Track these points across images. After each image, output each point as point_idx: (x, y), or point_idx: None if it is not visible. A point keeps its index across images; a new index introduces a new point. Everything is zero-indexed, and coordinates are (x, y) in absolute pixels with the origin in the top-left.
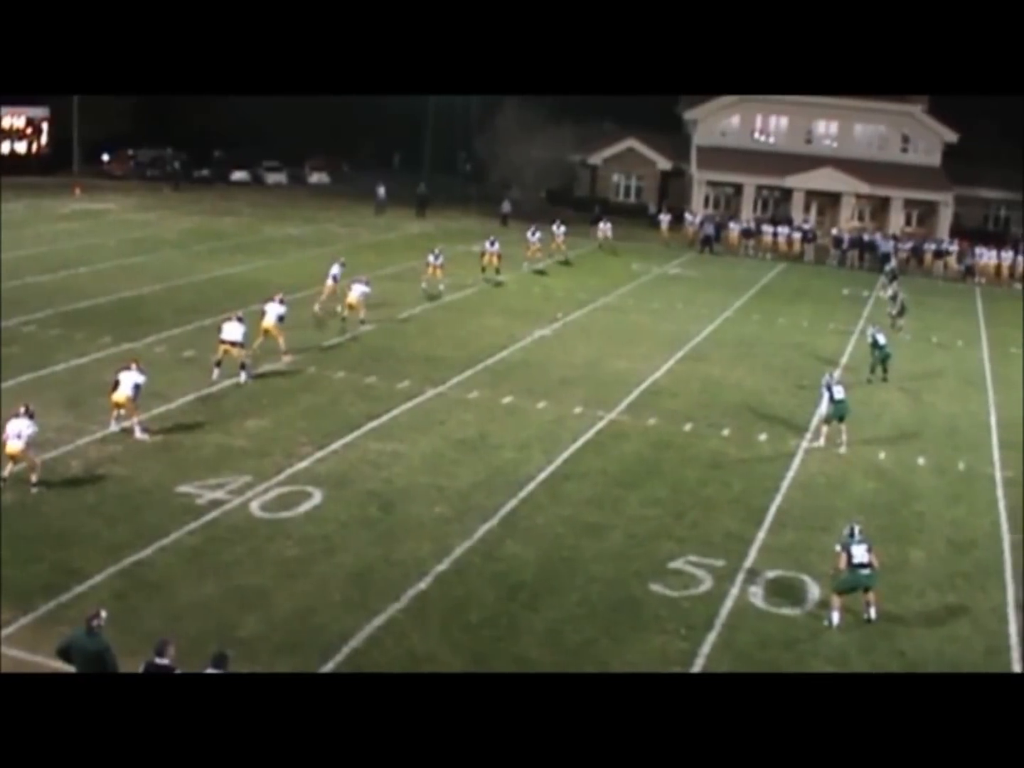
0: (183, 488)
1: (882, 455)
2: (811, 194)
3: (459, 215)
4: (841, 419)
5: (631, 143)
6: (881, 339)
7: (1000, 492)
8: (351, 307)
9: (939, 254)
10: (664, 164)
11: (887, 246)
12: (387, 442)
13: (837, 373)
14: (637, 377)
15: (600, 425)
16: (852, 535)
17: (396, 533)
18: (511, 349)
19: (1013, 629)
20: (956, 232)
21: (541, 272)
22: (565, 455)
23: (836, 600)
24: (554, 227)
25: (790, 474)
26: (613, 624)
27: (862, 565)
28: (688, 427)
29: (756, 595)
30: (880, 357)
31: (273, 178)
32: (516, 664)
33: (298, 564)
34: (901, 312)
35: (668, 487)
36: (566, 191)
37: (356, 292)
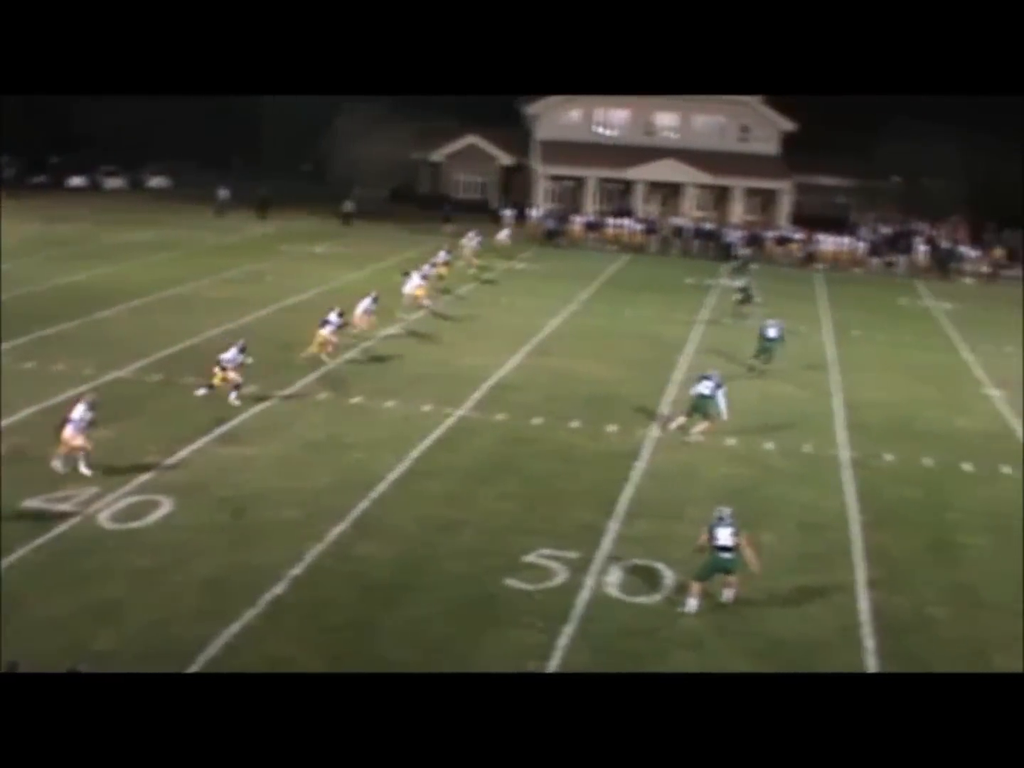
0: (29, 503)
1: (731, 441)
2: (653, 185)
3: (301, 215)
4: (705, 415)
5: (472, 139)
6: (772, 332)
7: (847, 473)
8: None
9: (782, 241)
10: (506, 159)
11: (733, 235)
12: (236, 447)
13: (716, 370)
14: (485, 373)
15: (449, 422)
16: (721, 517)
17: (249, 538)
18: (358, 349)
19: (864, 606)
20: (796, 219)
21: (391, 270)
22: (415, 453)
23: (695, 587)
24: (465, 239)
25: (641, 464)
26: (470, 620)
27: (724, 548)
28: (537, 421)
29: (612, 585)
30: (766, 347)
31: (112, 183)
32: (375, 665)
33: (151, 574)
34: (747, 300)
35: (519, 481)
36: (408, 189)
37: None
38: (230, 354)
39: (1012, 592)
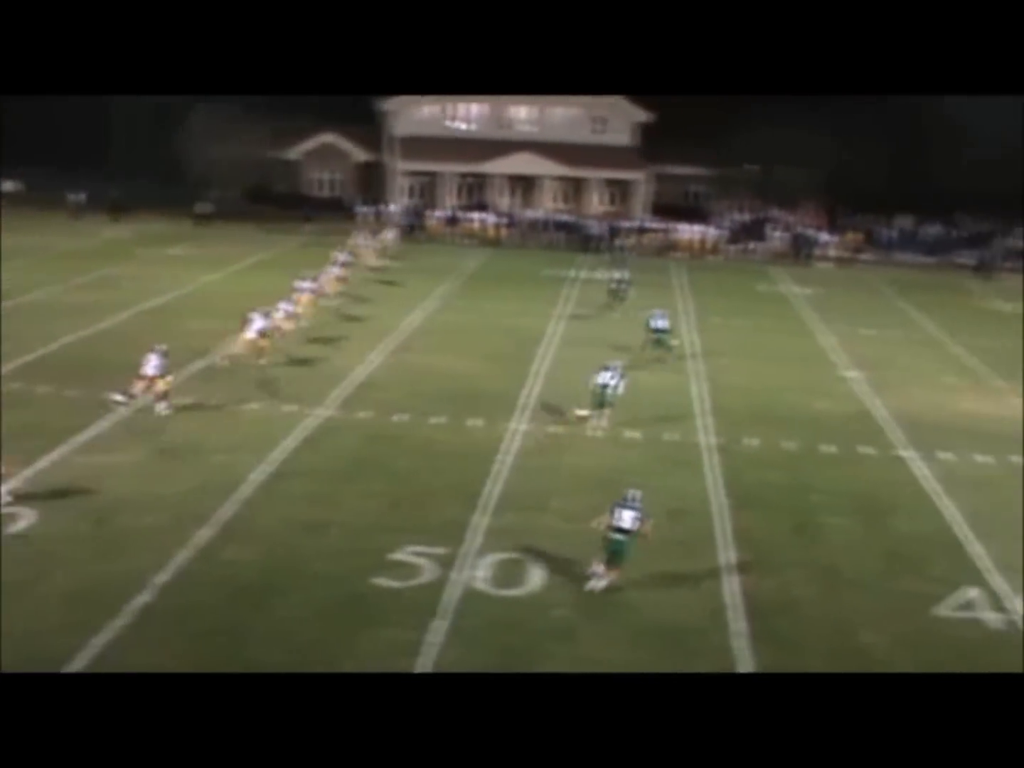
0: None
1: (596, 432)
2: (510, 179)
3: (155, 218)
4: (603, 404)
5: (328, 137)
6: (662, 323)
7: (711, 459)
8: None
9: (640, 231)
10: (362, 156)
11: (595, 227)
12: (97, 455)
13: (619, 361)
14: (348, 371)
15: (312, 422)
16: (627, 499)
17: (113, 547)
18: (218, 352)
19: (731, 590)
20: (654, 209)
21: (249, 270)
22: (279, 455)
23: (598, 566)
24: (360, 240)
25: (505, 457)
26: (340, 621)
27: (620, 530)
28: (400, 418)
29: (480, 579)
30: (656, 339)
31: None
32: (245, 668)
33: (13, 589)
34: (620, 292)
35: (384, 479)
36: (264, 189)
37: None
38: (153, 363)
39: (875, 570)
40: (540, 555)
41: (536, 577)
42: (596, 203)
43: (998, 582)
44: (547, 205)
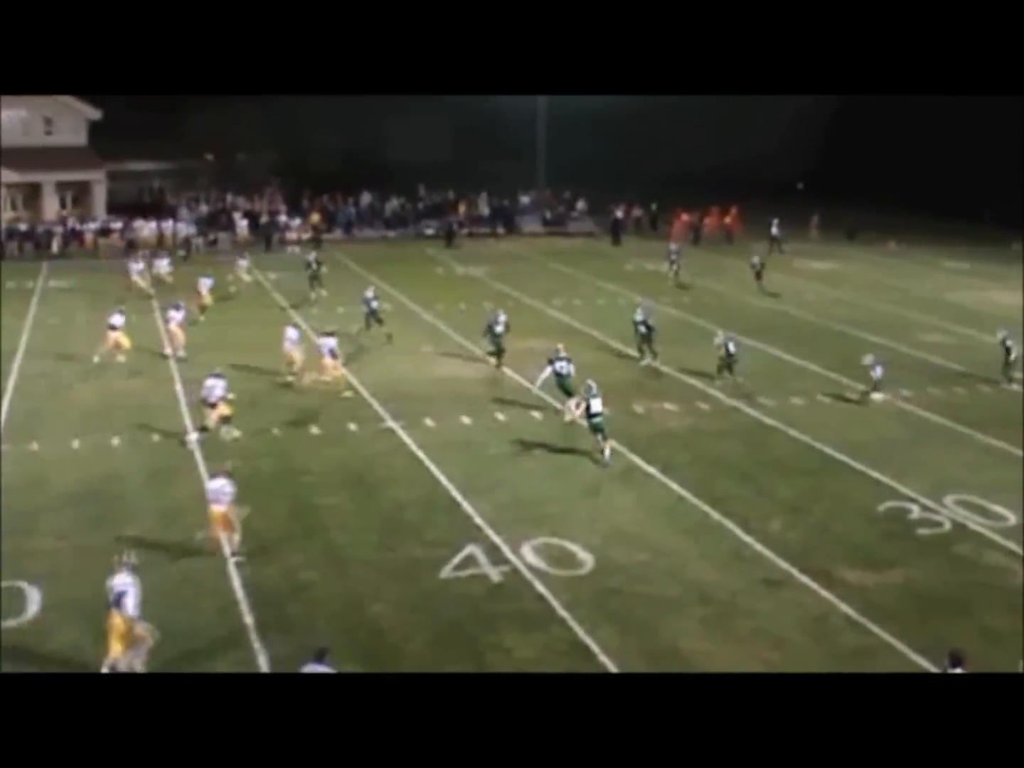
0: None
1: (76, 444)
2: None
3: None
4: (570, 392)
5: None
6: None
7: (199, 456)
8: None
9: (102, 232)
10: None
11: (57, 232)
12: None
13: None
14: None
15: None
16: (589, 389)
17: None
18: None
19: (237, 584)
20: (114, 208)
21: None
22: None
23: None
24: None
25: None
26: None
27: (595, 414)
28: None
29: None
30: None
31: None
32: None
33: None
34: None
35: None
36: None
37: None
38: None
39: (375, 543)
40: (37, 578)
41: (35, 602)
42: (55, 207)
43: (493, 537)
44: (3, 214)
